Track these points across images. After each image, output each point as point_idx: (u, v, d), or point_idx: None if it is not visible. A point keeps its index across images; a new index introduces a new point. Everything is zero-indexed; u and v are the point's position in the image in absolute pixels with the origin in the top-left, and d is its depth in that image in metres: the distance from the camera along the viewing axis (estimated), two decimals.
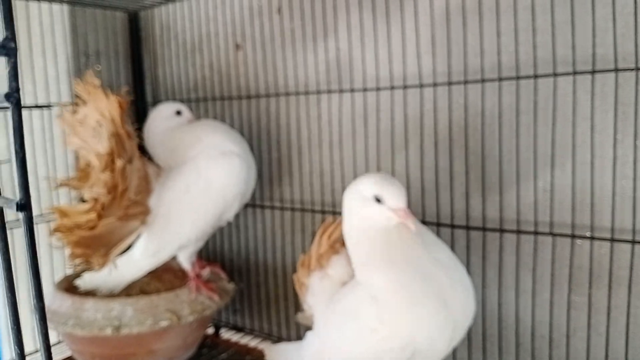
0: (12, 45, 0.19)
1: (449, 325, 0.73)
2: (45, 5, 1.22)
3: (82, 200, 1.03)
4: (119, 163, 0.98)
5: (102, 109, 1.00)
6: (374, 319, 0.73)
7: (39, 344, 0.34)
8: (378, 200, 0.74)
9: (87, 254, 0.99)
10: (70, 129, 1.02)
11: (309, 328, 0.93)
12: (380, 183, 0.75)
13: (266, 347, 0.97)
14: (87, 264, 1.01)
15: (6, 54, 0.19)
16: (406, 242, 0.76)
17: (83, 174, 1.02)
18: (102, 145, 0.99)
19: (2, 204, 0.21)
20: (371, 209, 0.75)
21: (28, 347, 1.18)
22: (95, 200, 0.99)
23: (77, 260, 0.99)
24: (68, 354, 1.15)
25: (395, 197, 0.74)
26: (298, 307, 0.98)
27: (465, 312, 0.76)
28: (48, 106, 1.18)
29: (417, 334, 0.72)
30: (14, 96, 0.20)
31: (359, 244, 0.79)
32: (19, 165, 0.21)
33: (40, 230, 1.11)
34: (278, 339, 1.24)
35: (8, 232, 0.33)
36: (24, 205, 0.20)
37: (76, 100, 1.03)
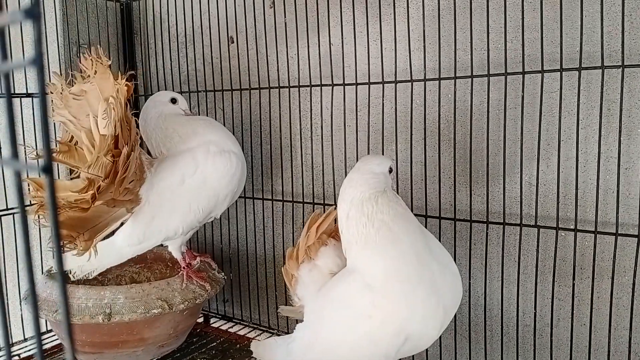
0: (37, 10, 0.20)
1: (439, 310, 0.75)
2: None
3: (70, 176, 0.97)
4: (124, 150, 0.95)
5: (110, 90, 0.94)
6: (368, 306, 0.75)
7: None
8: (391, 170, 0.85)
9: (71, 237, 0.96)
10: (62, 100, 0.96)
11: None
12: (387, 157, 0.86)
13: (253, 344, 0.96)
14: (70, 247, 0.96)
15: (32, 17, 0.20)
16: (403, 225, 0.79)
17: (66, 147, 0.97)
18: (107, 128, 0.94)
19: (23, 168, 0.22)
20: (384, 181, 0.83)
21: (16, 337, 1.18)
22: (91, 182, 0.95)
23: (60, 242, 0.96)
24: (57, 342, 1.15)
25: (393, 166, 0.87)
26: (288, 297, 0.98)
27: (454, 298, 0.78)
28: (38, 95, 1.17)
29: (411, 319, 0.73)
30: (38, 62, 0.21)
31: (357, 227, 0.80)
32: (43, 128, 0.22)
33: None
34: (267, 329, 1.25)
35: None
36: (48, 168, 0.21)
37: (75, 74, 0.97)
